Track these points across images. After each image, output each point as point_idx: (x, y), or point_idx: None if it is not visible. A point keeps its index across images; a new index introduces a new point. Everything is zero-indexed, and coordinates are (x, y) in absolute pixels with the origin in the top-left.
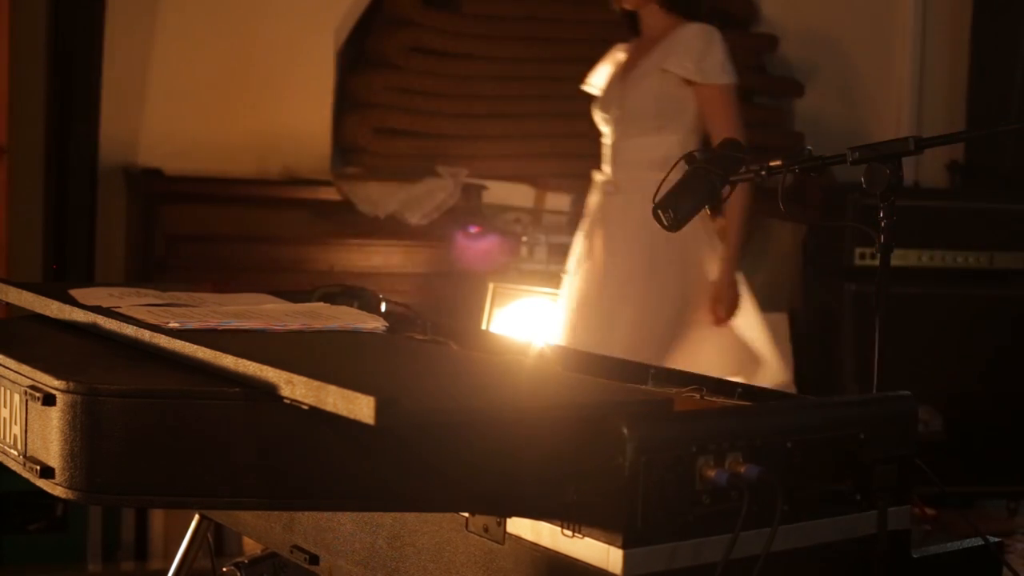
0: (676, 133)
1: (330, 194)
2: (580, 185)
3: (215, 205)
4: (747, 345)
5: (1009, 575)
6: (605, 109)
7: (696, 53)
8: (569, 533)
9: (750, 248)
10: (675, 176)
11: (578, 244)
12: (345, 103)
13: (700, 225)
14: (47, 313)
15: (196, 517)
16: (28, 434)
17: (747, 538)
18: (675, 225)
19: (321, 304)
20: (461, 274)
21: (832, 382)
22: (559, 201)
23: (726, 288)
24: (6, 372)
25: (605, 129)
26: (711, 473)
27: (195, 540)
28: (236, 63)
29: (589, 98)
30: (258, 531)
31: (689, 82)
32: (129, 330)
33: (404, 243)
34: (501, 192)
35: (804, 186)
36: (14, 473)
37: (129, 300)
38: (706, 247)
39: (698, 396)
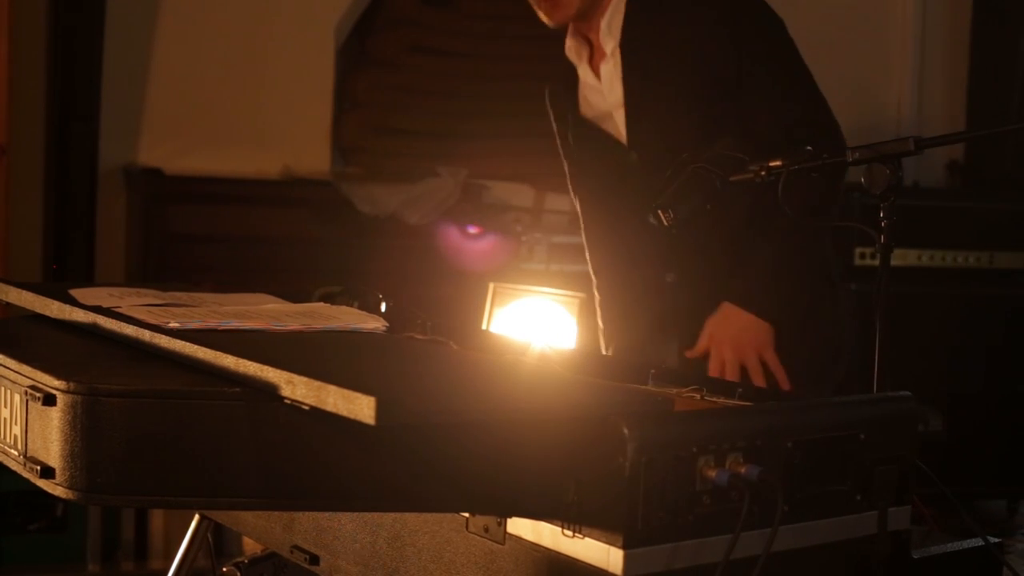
0: None
1: (330, 194)
2: None
3: (215, 205)
4: None
5: (1009, 575)
6: None
7: None
8: (569, 533)
9: None
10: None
11: None
12: (345, 102)
13: None
14: (47, 313)
15: (196, 517)
16: (28, 434)
17: (747, 538)
18: (675, 225)
19: (321, 304)
20: (461, 274)
21: None
22: (559, 201)
23: None
24: (6, 372)
25: None
26: (711, 473)
27: (195, 540)
28: (236, 63)
29: None
30: (258, 531)
31: None
32: (129, 330)
33: (404, 243)
34: (501, 192)
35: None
36: (14, 473)
37: (129, 300)
38: None
39: (698, 396)
